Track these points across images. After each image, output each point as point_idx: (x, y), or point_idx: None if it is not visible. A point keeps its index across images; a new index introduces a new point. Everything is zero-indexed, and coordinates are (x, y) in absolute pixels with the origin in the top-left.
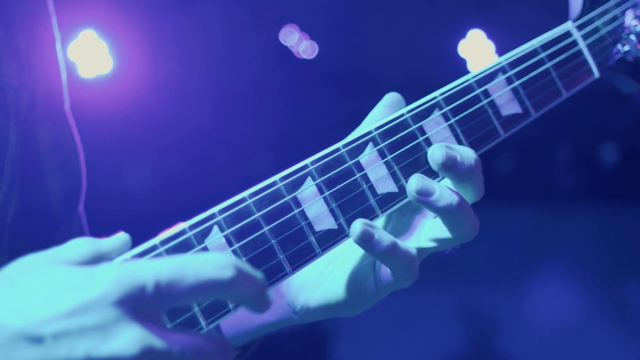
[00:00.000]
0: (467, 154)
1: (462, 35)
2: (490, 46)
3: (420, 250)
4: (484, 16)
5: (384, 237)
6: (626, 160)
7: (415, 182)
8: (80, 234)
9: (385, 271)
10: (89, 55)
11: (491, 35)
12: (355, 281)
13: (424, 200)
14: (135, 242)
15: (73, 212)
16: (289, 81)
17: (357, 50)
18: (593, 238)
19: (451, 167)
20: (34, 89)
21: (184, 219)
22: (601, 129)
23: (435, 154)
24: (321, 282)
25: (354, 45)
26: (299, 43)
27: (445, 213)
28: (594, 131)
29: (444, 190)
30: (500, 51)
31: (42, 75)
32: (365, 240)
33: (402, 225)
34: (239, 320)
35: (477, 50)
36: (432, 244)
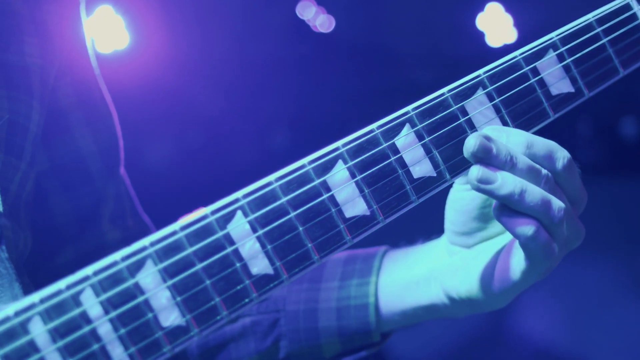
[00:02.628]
0: (507, 152)
1: (481, 8)
2: (508, 19)
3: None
4: None
5: (510, 178)
6: None
7: (476, 171)
8: (128, 197)
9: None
10: (106, 31)
11: (509, 9)
12: (491, 272)
13: (485, 188)
14: (155, 221)
15: (113, 172)
16: (306, 55)
17: (374, 24)
18: (613, 212)
19: (483, 158)
20: (60, 61)
21: (204, 196)
22: (623, 101)
23: (468, 143)
24: (464, 269)
25: (370, 19)
26: (316, 17)
27: (509, 202)
28: (615, 103)
29: (507, 176)
30: (518, 24)
31: (67, 44)
32: (485, 183)
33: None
34: (394, 299)
35: (496, 24)
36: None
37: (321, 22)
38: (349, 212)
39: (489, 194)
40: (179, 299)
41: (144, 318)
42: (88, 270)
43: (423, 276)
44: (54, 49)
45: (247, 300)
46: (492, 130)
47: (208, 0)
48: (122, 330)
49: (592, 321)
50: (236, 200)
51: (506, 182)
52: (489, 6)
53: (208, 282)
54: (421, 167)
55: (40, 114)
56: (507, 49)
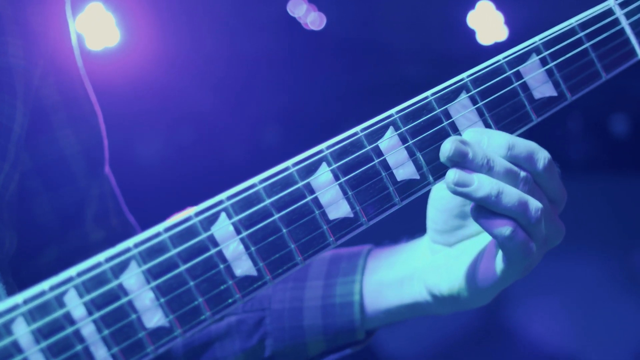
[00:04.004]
0: (483, 155)
1: (471, 6)
2: (499, 17)
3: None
4: None
5: (486, 181)
6: (638, 131)
7: (452, 175)
8: (112, 197)
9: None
10: (96, 28)
11: (500, 7)
12: (473, 270)
13: (462, 191)
14: (144, 219)
15: (97, 172)
16: (297, 53)
17: (365, 22)
18: (605, 208)
19: (459, 162)
20: (44, 61)
21: (194, 194)
22: (614, 98)
23: (444, 147)
24: (446, 267)
25: (361, 17)
26: (307, 14)
27: (487, 204)
28: (606, 100)
29: (483, 179)
30: (509, 22)
31: (52, 44)
32: (461, 186)
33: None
34: (377, 297)
35: (486, 21)
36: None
37: (312, 19)
38: (332, 214)
39: (466, 196)
40: (162, 300)
41: (128, 319)
42: (72, 271)
43: (406, 275)
44: (38, 49)
45: (230, 301)
46: (473, 132)
47: None
48: (106, 331)
49: (586, 317)
50: (220, 202)
51: (482, 185)
52: (480, 4)
53: (192, 283)
54: (404, 170)
55: (24, 115)
56: (497, 47)
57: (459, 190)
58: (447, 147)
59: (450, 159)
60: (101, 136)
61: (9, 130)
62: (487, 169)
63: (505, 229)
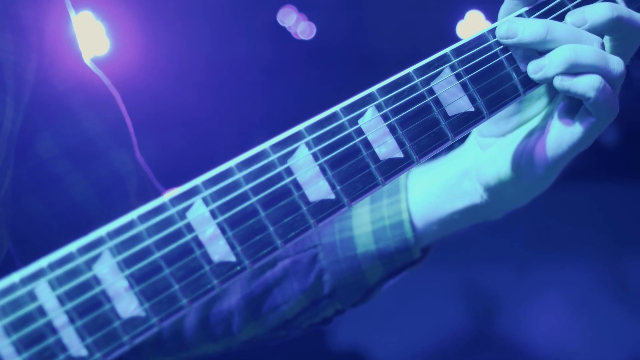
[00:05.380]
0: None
1: (461, 16)
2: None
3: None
4: None
5: (530, 23)
6: (630, 139)
7: (501, 28)
8: (148, 179)
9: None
10: (86, 37)
11: (490, 16)
12: (537, 147)
13: (512, 42)
14: None
15: (128, 149)
16: (287, 62)
17: (355, 31)
18: (595, 216)
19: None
20: (49, 53)
21: None
22: None
23: (498, 32)
24: (502, 156)
25: (351, 27)
26: (297, 24)
27: (537, 46)
28: None
29: (530, 21)
30: None
31: (52, 37)
32: (511, 37)
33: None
34: (427, 210)
35: (475, 31)
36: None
37: (302, 29)
38: (312, 196)
39: (519, 45)
40: (137, 288)
41: (101, 309)
42: (43, 262)
43: (456, 178)
44: (30, 43)
45: (208, 287)
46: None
47: (189, 7)
48: (79, 322)
49: (577, 323)
50: (196, 187)
51: (529, 26)
52: (469, 14)
53: (167, 270)
54: (387, 149)
55: (15, 110)
56: None
57: (509, 42)
58: (502, 31)
59: (504, 39)
60: (123, 116)
61: None
62: (549, 37)
63: (594, 81)
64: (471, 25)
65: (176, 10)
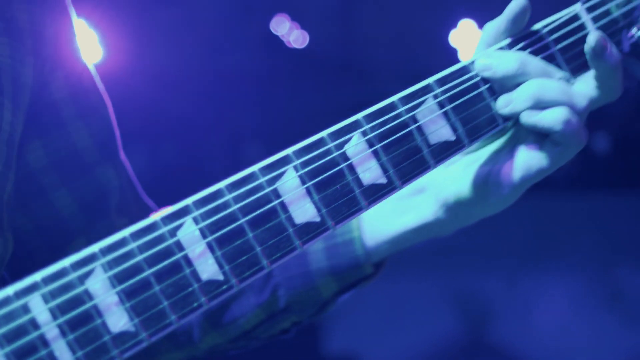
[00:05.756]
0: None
1: (453, 24)
2: None
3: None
4: (475, 6)
5: (505, 54)
6: (621, 148)
7: (478, 62)
8: (130, 185)
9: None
10: (79, 45)
11: (482, 25)
12: (503, 166)
13: (487, 75)
14: None
15: (113, 163)
16: (279, 71)
17: (348, 40)
18: (586, 226)
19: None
20: (50, 55)
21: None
22: (595, 116)
23: (477, 65)
24: (464, 174)
25: (344, 35)
26: (290, 32)
27: (510, 80)
28: (588, 119)
29: (502, 56)
30: None
31: (53, 39)
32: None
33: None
34: (380, 227)
35: (468, 40)
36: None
37: (295, 37)
38: (298, 219)
39: (493, 77)
40: (127, 304)
41: (93, 323)
42: (37, 277)
43: (410, 194)
44: (25, 47)
45: (196, 305)
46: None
47: (182, 15)
48: (70, 336)
49: (569, 331)
50: (186, 207)
51: (503, 60)
52: (462, 23)
53: (157, 287)
54: (371, 174)
55: (14, 113)
56: None
57: (485, 75)
58: (478, 64)
59: (481, 71)
60: (112, 126)
61: None
62: (520, 72)
63: (559, 115)
64: (464, 34)
65: (169, 18)
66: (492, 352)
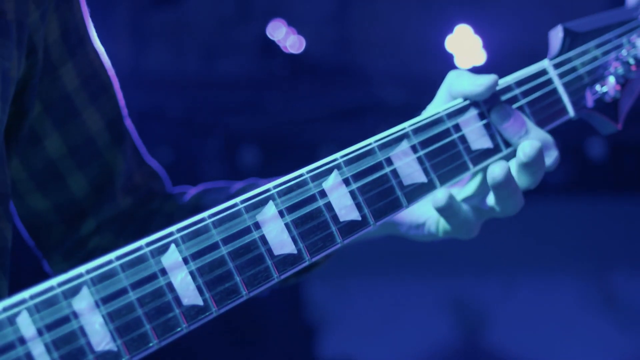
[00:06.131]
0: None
1: (450, 29)
2: (477, 41)
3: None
4: (471, 11)
5: (440, 192)
6: (614, 153)
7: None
8: (134, 150)
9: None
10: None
11: (478, 31)
12: (423, 216)
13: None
14: None
15: (119, 145)
16: (276, 75)
17: (345, 45)
18: (582, 231)
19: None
20: (45, 35)
21: None
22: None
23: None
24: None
25: (341, 40)
26: (287, 38)
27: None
28: (581, 124)
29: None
30: (488, 46)
31: (52, 17)
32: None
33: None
34: None
35: (465, 46)
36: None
37: (292, 42)
38: (277, 250)
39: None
40: (111, 325)
41: (77, 342)
42: (25, 294)
43: None
44: (12, 39)
45: (177, 330)
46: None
47: (178, 20)
48: (55, 354)
49: (563, 337)
50: (171, 234)
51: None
52: (458, 28)
53: (140, 311)
54: (347, 212)
55: (3, 111)
56: (476, 71)
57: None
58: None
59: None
60: (119, 103)
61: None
62: None
63: (499, 168)
64: (460, 39)
65: (165, 23)
66: (489, 357)
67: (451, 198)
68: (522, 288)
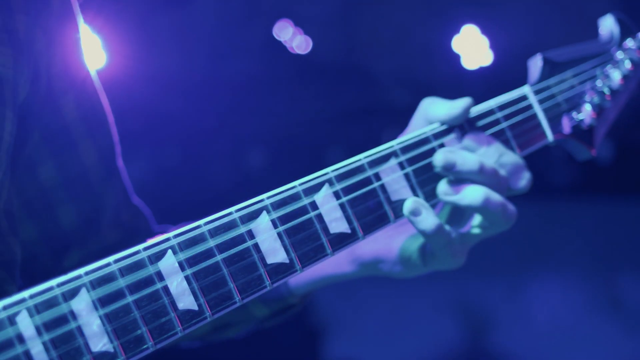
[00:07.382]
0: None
1: (456, 30)
2: (484, 41)
3: (466, 235)
4: (478, 11)
5: (431, 217)
6: (619, 156)
7: (409, 204)
8: (123, 191)
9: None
10: (84, 50)
11: (485, 31)
12: (406, 250)
13: (411, 220)
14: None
15: (111, 180)
16: (282, 76)
17: (351, 46)
18: (587, 234)
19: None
20: (48, 65)
21: (178, 215)
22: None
23: (435, 158)
24: (382, 238)
25: (348, 41)
26: (293, 38)
27: (427, 236)
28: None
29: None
30: (494, 47)
31: (56, 49)
32: (414, 215)
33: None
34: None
35: (471, 46)
36: (476, 231)
37: (298, 43)
38: (270, 259)
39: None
40: (109, 327)
41: (75, 342)
42: (25, 294)
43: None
44: (26, 59)
45: (172, 332)
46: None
47: (185, 21)
48: (54, 353)
49: (569, 339)
50: (167, 240)
51: (467, 194)
52: (465, 28)
53: (137, 313)
54: (337, 224)
55: (13, 123)
56: (482, 71)
57: (445, 172)
58: (438, 158)
59: (443, 168)
60: (113, 139)
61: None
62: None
63: (477, 194)
64: (467, 39)
65: (172, 23)
66: (493, 359)
67: (440, 224)
68: (528, 290)
